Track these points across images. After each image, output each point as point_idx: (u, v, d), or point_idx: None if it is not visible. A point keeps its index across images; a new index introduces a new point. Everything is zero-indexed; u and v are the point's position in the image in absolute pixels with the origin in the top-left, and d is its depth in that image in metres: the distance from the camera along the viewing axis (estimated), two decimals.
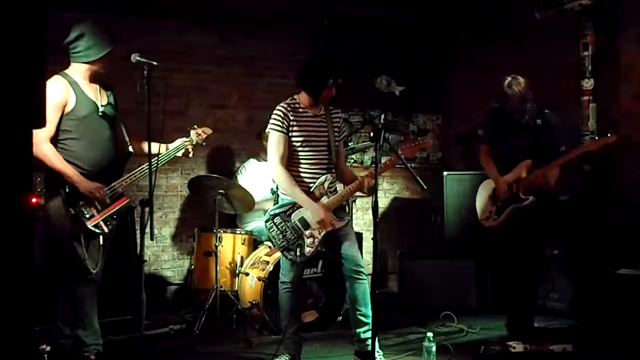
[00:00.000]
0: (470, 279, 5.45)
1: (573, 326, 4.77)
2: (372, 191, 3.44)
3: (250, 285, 4.83)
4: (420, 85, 6.77)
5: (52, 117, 3.48)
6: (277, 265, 4.41)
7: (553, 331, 4.66)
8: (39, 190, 3.75)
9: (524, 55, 5.82)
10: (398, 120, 6.82)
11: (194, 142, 4.02)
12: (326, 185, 3.83)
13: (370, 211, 5.03)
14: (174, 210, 5.98)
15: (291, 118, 3.79)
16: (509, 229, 4.29)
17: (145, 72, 3.38)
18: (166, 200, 5.94)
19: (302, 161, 3.82)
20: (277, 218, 3.82)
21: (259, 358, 4.19)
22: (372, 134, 3.51)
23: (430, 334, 3.75)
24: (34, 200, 3.65)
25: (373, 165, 3.53)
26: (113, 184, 3.71)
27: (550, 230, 4.42)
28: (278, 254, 4.47)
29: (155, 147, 3.55)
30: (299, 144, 3.80)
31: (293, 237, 3.78)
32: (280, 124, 3.77)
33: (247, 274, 4.93)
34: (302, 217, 3.79)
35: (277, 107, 3.83)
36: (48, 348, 3.74)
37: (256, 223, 5.45)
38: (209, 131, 4.15)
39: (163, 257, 5.93)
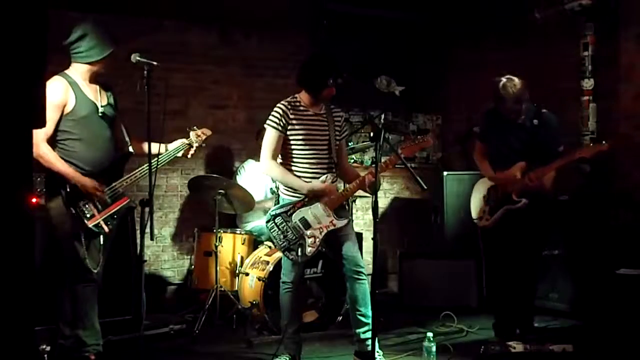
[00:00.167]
0: (470, 279, 5.45)
1: (573, 326, 4.77)
2: (374, 189, 3.43)
3: (250, 285, 4.83)
4: (420, 85, 6.77)
5: (51, 117, 3.48)
6: (277, 265, 4.42)
7: (553, 331, 4.66)
8: (39, 190, 3.75)
9: (524, 56, 5.82)
10: (398, 120, 6.82)
11: (193, 143, 4.03)
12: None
13: (370, 211, 5.03)
14: (174, 210, 5.98)
15: (291, 117, 3.79)
16: (502, 230, 4.28)
17: (145, 72, 3.38)
18: (166, 200, 5.94)
19: (302, 160, 3.82)
20: (278, 218, 3.82)
21: (259, 358, 4.19)
22: (372, 134, 3.50)
23: (430, 334, 3.76)
24: (34, 200, 3.67)
25: (373, 165, 3.53)
26: (113, 184, 3.71)
27: (545, 232, 4.39)
28: (278, 254, 4.47)
29: (155, 147, 3.55)
30: (299, 142, 3.79)
31: (294, 237, 3.78)
32: (277, 121, 3.77)
33: (247, 274, 4.93)
34: (303, 217, 3.79)
35: (278, 105, 3.83)
36: (48, 348, 3.75)
37: (256, 223, 5.45)
38: (208, 132, 4.15)
39: (163, 257, 5.93)
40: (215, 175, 5.18)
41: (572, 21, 5.40)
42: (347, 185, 3.89)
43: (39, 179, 3.71)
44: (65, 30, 3.64)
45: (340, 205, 3.89)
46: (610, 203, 4.99)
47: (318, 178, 3.81)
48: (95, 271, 3.65)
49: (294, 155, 3.82)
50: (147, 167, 3.53)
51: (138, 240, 4.08)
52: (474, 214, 4.49)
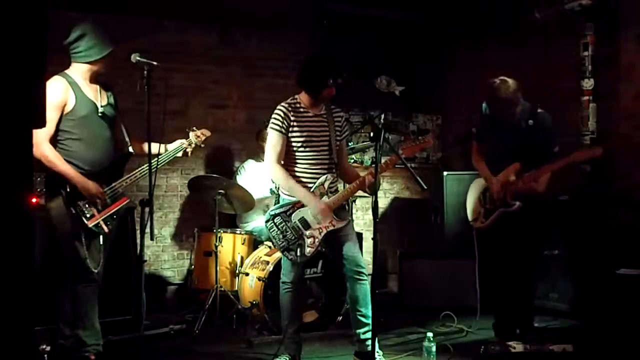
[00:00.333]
0: (470, 279, 5.45)
1: (573, 326, 4.77)
2: (374, 189, 3.43)
3: (250, 285, 4.83)
4: (420, 85, 6.77)
5: (51, 117, 3.48)
6: (277, 265, 4.42)
7: (553, 331, 4.66)
8: (39, 190, 3.75)
9: (524, 56, 5.82)
10: (398, 120, 6.82)
11: (192, 144, 4.04)
12: (327, 185, 3.82)
13: (370, 211, 5.03)
14: (174, 210, 5.98)
15: (292, 118, 3.78)
16: (497, 232, 4.28)
17: (145, 72, 3.39)
18: (166, 200, 5.94)
19: (302, 161, 3.82)
20: (277, 218, 3.82)
21: (259, 358, 4.19)
22: (372, 134, 3.50)
23: (430, 334, 3.76)
24: (34, 200, 3.66)
25: (373, 165, 3.53)
26: (113, 184, 3.71)
27: (541, 233, 4.38)
28: (278, 254, 4.47)
29: (154, 147, 3.55)
30: (299, 143, 3.79)
31: (293, 237, 3.78)
32: (280, 123, 3.77)
33: (247, 274, 4.93)
34: (303, 217, 3.79)
35: (278, 107, 3.83)
36: (48, 348, 3.75)
37: (256, 223, 5.45)
38: (208, 133, 4.17)
39: (163, 257, 5.92)
40: (215, 175, 5.19)
41: (572, 21, 5.40)
42: (347, 186, 3.89)
43: (39, 179, 3.71)
44: (65, 30, 3.64)
45: (340, 206, 3.89)
46: (610, 203, 4.98)
47: (318, 178, 3.81)
48: (96, 271, 3.65)
49: (294, 156, 3.82)
50: (147, 167, 3.53)
51: (138, 240, 4.08)
52: (469, 215, 4.50)
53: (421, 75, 6.77)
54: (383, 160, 3.83)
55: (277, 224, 3.82)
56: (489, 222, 4.30)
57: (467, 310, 5.15)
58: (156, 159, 3.50)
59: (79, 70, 3.68)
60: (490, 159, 4.33)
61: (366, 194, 3.99)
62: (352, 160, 6.36)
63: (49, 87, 3.38)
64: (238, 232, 5.26)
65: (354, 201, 5.78)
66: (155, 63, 3.42)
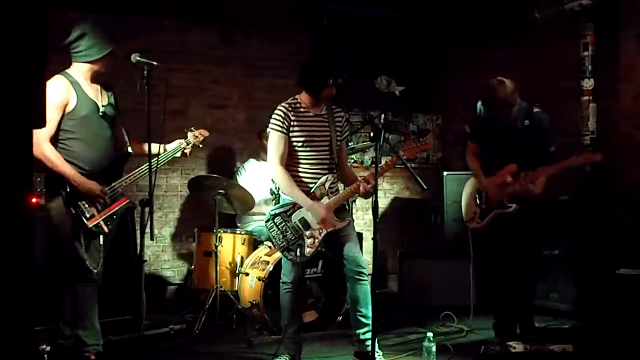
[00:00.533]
0: (470, 279, 5.44)
1: (574, 326, 4.77)
2: (370, 194, 3.43)
3: (250, 285, 4.83)
4: (420, 85, 6.77)
5: (52, 116, 3.49)
6: (277, 265, 4.42)
7: (553, 331, 4.66)
8: (39, 190, 3.75)
9: (524, 56, 5.82)
10: (398, 120, 6.82)
11: (190, 144, 4.04)
12: (327, 185, 3.82)
13: (370, 211, 5.03)
14: (174, 210, 5.98)
15: (292, 118, 3.78)
16: (493, 233, 4.27)
17: (145, 72, 3.39)
18: (166, 200, 5.94)
19: (303, 161, 3.81)
20: (277, 218, 3.82)
21: (259, 358, 4.18)
22: (372, 134, 3.50)
23: (430, 334, 3.76)
24: (34, 200, 3.66)
25: (373, 166, 3.53)
26: (113, 184, 3.71)
27: (538, 235, 4.37)
28: (278, 254, 4.47)
29: (154, 147, 3.55)
30: (300, 144, 3.79)
31: (293, 237, 3.78)
32: (280, 124, 3.76)
33: (247, 274, 4.93)
34: (303, 217, 3.79)
35: (278, 107, 3.83)
36: (48, 348, 3.74)
37: (256, 223, 5.45)
38: (206, 133, 4.17)
39: (163, 257, 5.92)
40: (215, 175, 5.18)
41: (572, 21, 5.40)
42: (346, 188, 3.88)
43: (39, 179, 3.71)
44: (65, 30, 3.64)
45: (341, 206, 3.88)
46: (610, 203, 4.99)
47: (319, 179, 3.80)
48: (95, 271, 3.65)
49: (295, 156, 3.81)
50: (146, 167, 3.53)
51: (138, 240, 4.08)
52: (465, 215, 4.50)
53: (421, 75, 6.77)
54: (383, 161, 3.83)
55: (277, 223, 3.81)
56: (484, 222, 4.30)
57: (467, 310, 5.13)
58: (155, 159, 3.50)
59: (79, 70, 3.68)
60: (486, 159, 4.33)
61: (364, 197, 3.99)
62: (352, 160, 6.36)
63: (50, 86, 3.38)
64: (238, 232, 5.25)
65: (354, 201, 5.77)
66: (155, 63, 3.42)
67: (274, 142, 3.77)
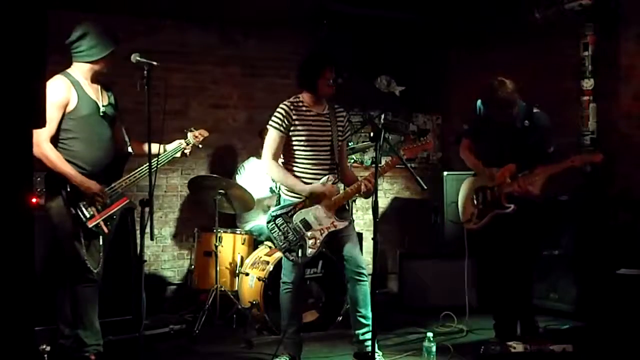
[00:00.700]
0: (470, 279, 5.44)
1: (574, 326, 4.76)
2: (370, 194, 3.43)
3: (250, 285, 4.83)
4: (420, 85, 6.77)
5: (53, 116, 3.49)
6: (277, 265, 4.42)
7: (553, 331, 4.66)
8: (39, 190, 3.75)
9: (524, 56, 5.82)
10: (398, 120, 6.82)
11: (190, 144, 4.05)
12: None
13: (370, 211, 5.03)
14: (174, 210, 5.98)
15: (294, 117, 3.78)
16: (490, 234, 4.27)
17: (145, 72, 3.38)
18: (166, 200, 5.94)
19: (304, 161, 3.81)
20: (279, 219, 3.82)
21: (259, 358, 4.19)
22: (372, 134, 3.50)
23: (430, 334, 3.76)
24: (34, 200, 3.67)
25: (373, 166, 3.53)
26: (113, 184, 3.71)
27: (537, 234, 4.36)
28: (278, 254, 4.47)
29: (154, 147, 3.55)
30: (301, 143, 3.79)
31: (295, 238, 3.78)
32: (280, 122, 3.77)
33: (247, 274, 4.93)
34: (304, 218, 3.79)
35: (281, 105, 3.83)
36: (48, 348, 3.74)
37: (256, 223, 5.45)
38: (206, 134, 4.19)
39: (163, 257, 5.92)
40: (215, 175, 5.19)
41: (572, 21, 5.39)
42: (347, 189, 3.88)
43: (39, 179, 3.71)
44: (65, 30, 3.65)
45: (342, 207, 3.89)
46: (610, 203, 4.98)
47: (320, 179, 3.80)
48: (96, 271, 3.65)
49: (296, 156, 3.82)
50: (146, 168, 3.53)
51: (138, 240, 4.07)
52: (462, 215, 4.49)
53: (421, 75, 6.77)
54: (383, 161, 3.83)
55: (278, 224, 3.81)
56: (482, 223, 4.29)
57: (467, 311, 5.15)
58: (155, 159, 3.50)
59: (80, 70, 3.68)
60: (484, 160, 4.32)
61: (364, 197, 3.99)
62: (352, 161, 6.36)
63: (50, 86, 3.39)
64: (238, 232, 5.25)
65: (354, 201, 5.77)
66: (155, 63, 3.41)
67: (271, 138, 3.79)
